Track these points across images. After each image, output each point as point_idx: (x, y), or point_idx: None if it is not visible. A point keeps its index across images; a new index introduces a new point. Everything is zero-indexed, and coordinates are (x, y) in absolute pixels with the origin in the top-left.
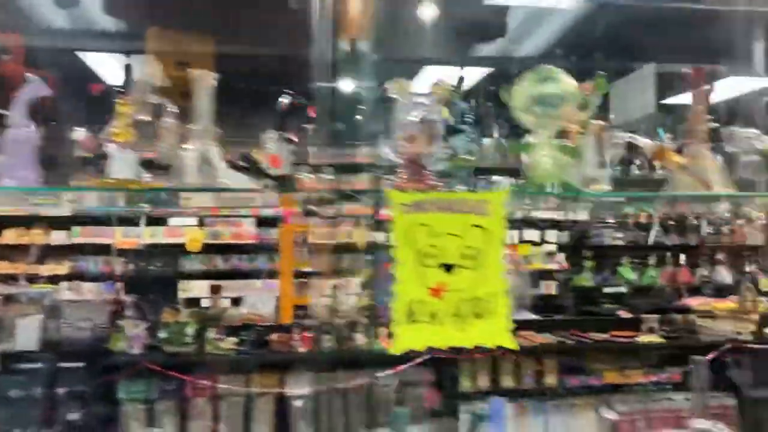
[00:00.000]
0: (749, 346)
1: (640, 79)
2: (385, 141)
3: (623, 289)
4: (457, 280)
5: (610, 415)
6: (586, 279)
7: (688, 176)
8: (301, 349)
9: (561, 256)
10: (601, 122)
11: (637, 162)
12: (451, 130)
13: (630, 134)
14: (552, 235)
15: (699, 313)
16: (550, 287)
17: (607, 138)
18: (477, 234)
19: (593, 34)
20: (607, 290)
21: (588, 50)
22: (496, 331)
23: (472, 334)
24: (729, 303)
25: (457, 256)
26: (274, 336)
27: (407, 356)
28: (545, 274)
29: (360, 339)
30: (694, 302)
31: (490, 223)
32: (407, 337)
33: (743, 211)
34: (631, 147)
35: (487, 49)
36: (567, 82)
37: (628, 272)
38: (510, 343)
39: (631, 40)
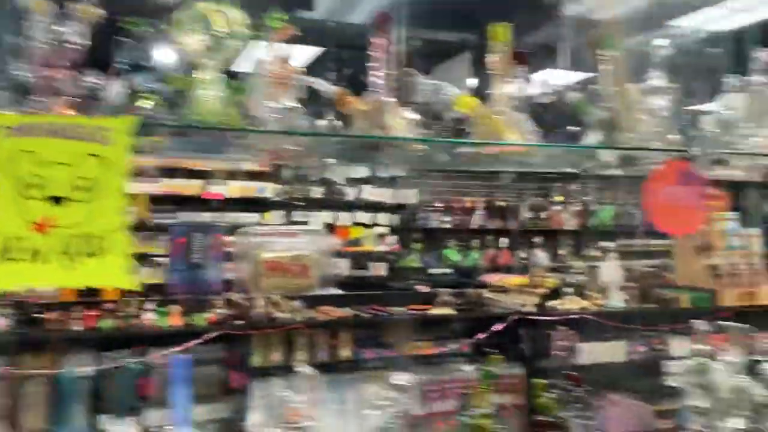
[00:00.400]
0: (531, 318)
1: (458, 64)
2: (21, 61)
3: (448, 270)
4: (67, 214)
5: (401, 381)
6: (414, 260)
7: (366, 122)
8: (78, 328)
9: (393, 239)
10: (292, 66)
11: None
12: (134, 68)
13: (313, 79)
14: (384, 217)
15: (493, 288)
16: (379, 269)
17: (291, 80)
18: (93, 164)
19: (423, 11)
20: (432, 271)
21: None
22: (111, 271)
23: (83, 273)
24: (521, 279)
25: (67, 188)
26: (49, 314)
27: (195, 332)
28: (375, 256)
29: (149, 317)
30: (490, 278)
31: (111, 152)
32: (2, 277)
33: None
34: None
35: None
36: (233, 16)
37: (453, 254)
38: (127, 283)
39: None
